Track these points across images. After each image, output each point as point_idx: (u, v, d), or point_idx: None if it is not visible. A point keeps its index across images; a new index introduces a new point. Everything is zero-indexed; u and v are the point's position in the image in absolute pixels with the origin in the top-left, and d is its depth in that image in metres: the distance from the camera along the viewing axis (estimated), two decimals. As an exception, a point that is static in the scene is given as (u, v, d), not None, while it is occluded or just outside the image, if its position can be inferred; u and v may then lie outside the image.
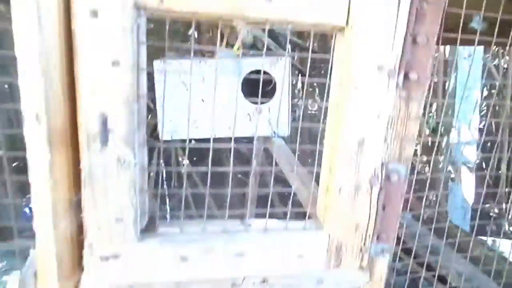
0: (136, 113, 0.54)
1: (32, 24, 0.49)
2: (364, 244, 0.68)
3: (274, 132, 1.68)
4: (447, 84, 3.20)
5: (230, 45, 1.87)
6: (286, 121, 1.67)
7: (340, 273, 0.72)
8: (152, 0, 0.51)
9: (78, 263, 0.61)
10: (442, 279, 1.31)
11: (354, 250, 0.69)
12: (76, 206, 0.58)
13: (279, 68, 1.59)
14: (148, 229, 0.61)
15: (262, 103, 1.63)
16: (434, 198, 3.44)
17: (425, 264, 1.18)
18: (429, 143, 3.88)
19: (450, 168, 3.13)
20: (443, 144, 3.35)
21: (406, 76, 0.61)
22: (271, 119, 1.68)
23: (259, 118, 1.62)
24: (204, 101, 1.50)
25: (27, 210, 2.69)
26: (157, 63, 1.50)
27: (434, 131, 3.61)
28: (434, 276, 1.22)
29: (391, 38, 0.58)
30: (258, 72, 1.61)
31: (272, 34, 1.63)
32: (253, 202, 2.00)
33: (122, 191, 0.56)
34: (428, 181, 0.96)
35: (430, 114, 3.83)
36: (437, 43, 0.64)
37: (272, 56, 1.62)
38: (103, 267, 0.59)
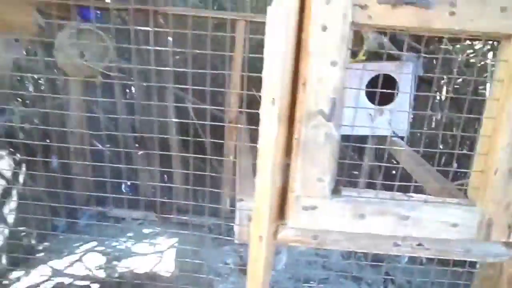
0: (340, 100, 0.73)
1: (280, 36, 0.71)
2: (514, 221, 0.79)
3: (394, 132, 1.79)
4: None
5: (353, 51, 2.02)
6: (406, 122, 1.77)
7: (487, 246, 0.84)
8: (364, 18, 0.70)
9: (279, 212, 0.83)
10: None
11: (503, 227, 0.80)
12: (286, 168, 0.80)
13: (402, 72, 1.70)
14: (335, 190, 0.80)
15: (384, 105, 1.76)
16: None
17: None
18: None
19: None
20: None
21: None
22: (392, 120, 1.79)
23: (380, 119, 1.74)
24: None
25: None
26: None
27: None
28: None
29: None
30: (387, 78, 1.73)
31: (394, 40, 1.75)
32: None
33: (325, 158, 0.75)
34: None
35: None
36: None
37: (396, 61, 1.74)
38: (303, 215, 0.79)
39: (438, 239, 0.82)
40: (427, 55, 1.98)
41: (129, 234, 2.12)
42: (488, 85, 2.65)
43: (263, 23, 0.73)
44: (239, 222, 0.87)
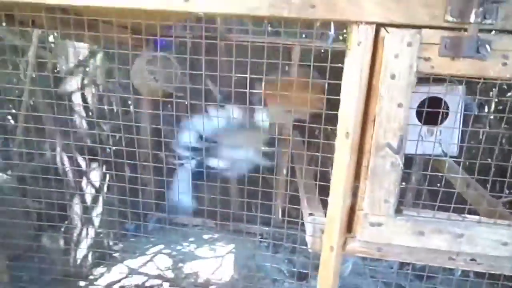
0: (405, 136, 0.87)
1: (355, 82, 0.86)
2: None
3: (443, 151, 1.88)
4: None
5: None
6: (455, 143, 1.86)
7: (535, 264, 0.94)
8: (427, 68, 0.84)
9: (346, 227, 0.98)
10: None
11: (551, 247, 0.90)
12: (355, 190, 0.95)
13: (452, 96, 1.80)
14: (398, 210, 0.94)
15: (434, 126, 1.85)
16: None
17: None
18: None
19: None
20: None
21: None
22: (442, 141, 1.88)
23: (431, 139, 1.84)
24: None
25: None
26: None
27: None
28: None
29: None
30: (433, 98, 1.83)
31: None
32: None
33: (391, 183, 0.90)
34: None
35: None
36: None
37: (445, 84, 1.83)
38: (370, 230, 0.93)
39: (490, 256, 0.94)
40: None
41: (191, 239, 2.33)
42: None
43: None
44: (313, 234, 1.02)
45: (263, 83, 1.58)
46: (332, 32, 0.87)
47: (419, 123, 1.88)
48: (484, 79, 0.86)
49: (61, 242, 1.87)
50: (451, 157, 1.90)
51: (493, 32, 0.83)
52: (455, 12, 0.80)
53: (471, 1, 0.78)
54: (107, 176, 2.12)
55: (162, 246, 2.22)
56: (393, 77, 0.85)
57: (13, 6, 1.02)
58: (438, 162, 1.88)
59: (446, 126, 1.85)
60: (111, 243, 2.17)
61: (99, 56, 2.13)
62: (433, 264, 0.98)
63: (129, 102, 2.52)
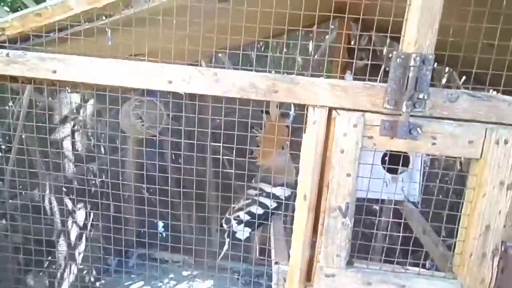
0: (352, 201, 1.03)
1: (311, 155, 1.02)
2: (487, 294, 1.04)
3: (406, 197, 2.06)
4: None
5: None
6: (417, 189, 2.04)
7: (467, 312, 1.08)
8: (370, 145, 1.01)
9: (305, 278, 1.11)
10: None
11: (479, 297, 1.05)
12: (312, 244, 1.09)
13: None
14: (349, 262, 1.08)
15: (398, 173, 2.03)
16: None
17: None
18: None
19: None
20: None
21: (519, 190, 0.99)
22: (404, 187, 2.05)
23: (394, 185, 2.01)
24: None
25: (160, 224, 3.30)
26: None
27: None
28: None
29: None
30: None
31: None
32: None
33: (342, 240, 1.04)
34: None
35: None
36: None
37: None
38: (325, 281, 1.07)
39: (429, 306, 1.08)
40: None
41: (170, 276, 2.42)
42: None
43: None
44: (276, 282, 1.16)
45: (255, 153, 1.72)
46: (292, 111, 1.04)
47: (383, 170, 2.07)
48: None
49: (45, 279, 1.94)
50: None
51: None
52: (392, 102, 0.98)
53: (403, 94, 0.95)
54: (91, 214, 2.22)
55: (142, 282, 2.30)
56: (342, 151, 1.01)
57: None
58: (402, 207, 2.05)
59: (406, 176, 2.04)
60: (92, 279, 2.24)
61: (91, 101, 2.27)
62: (381, 311, 1.12)
63: (117, 141, 2.66)
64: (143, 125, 2.34)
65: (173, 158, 2.90)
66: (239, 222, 1.59)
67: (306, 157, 1.04)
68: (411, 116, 0.98)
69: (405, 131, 0.97)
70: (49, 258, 2.02)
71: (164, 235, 3.06)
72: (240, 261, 2.52)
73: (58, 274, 1.94)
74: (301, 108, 1.04)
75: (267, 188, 1.58)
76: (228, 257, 1.52)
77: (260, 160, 1.67)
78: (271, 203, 1.58)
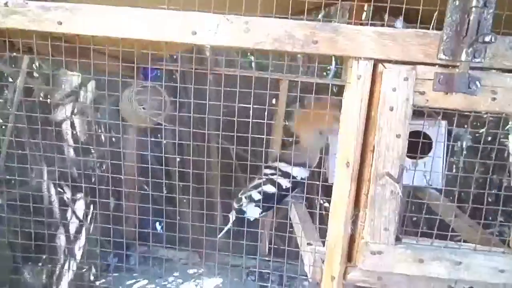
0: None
1: (356, 115, 0.90)
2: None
3: (429, 183, 1.94)
4: None
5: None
6: (440, 175, 1.92)
7: (529, 291, 0.96)
8: (422, 101, 0.89)
9: (346, 255, 0.98)
10: None
11: (543, 274, 0.93)
12: (355, 218, 0.96)
13: (436, 130, 1.88)
14: (397, 238, 0.95)
15: (419, 158, 1.92)
16: None
17: None
18: None
19: None
20: None
21: None
22: (426, 172, 1.94)
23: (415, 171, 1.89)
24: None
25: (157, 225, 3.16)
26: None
27: None
28: None
29: None
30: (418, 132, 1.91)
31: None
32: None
33: (390, 211, 0.92)
34: None
35: None
36: None
37: (431, 119, 1.92)
38: (371, 258, 0.94)
39: (488, 283, 0.96)
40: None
41: (175, 274, 2.26)
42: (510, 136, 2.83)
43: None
44: (313, 263, 1.02)
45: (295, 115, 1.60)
46: (333, 66, 0.92)
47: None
48: (475, 112, 0.92)
49: (42, 276, 1.78)
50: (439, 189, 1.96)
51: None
52: (448, 51, 0.87)
53: (463, 42, 0.84)
54: (91, 207, 2.06)
55: (146, 281, 2.14)
56: (391, 109, 0.89)
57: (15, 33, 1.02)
58: (422, 193, 1.94)
59: (427, 161, 1.93)
60: (92, 278, 2.07)
61: (91, 84, 2.12)
62: (432, 292, 0.99)
63: (113, 132, 2.51)
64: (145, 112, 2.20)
65: (176, 150, 2.75)
66: (251, 201, 1.46)
67: (349, 117, 0.92)
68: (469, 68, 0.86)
69: (464, 83, 0.86)
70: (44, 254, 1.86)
71: (161, 231, 2.90)
72: (249, 256, 2.38)
73: (57, 271, 1.78)
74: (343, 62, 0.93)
75: (285, 167, 1.45)
76: (230, 235, 1.37)
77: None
78: (286, 184, 1.46)
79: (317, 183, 1.38)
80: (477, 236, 1.33)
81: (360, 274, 0.98)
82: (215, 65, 2.39)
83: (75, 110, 2.05)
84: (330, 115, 1.40)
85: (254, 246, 2.15)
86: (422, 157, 1.93)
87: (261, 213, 1.47)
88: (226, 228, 1.53)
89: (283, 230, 1.33)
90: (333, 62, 0.91)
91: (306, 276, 1.06)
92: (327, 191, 1.04)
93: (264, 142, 1.25)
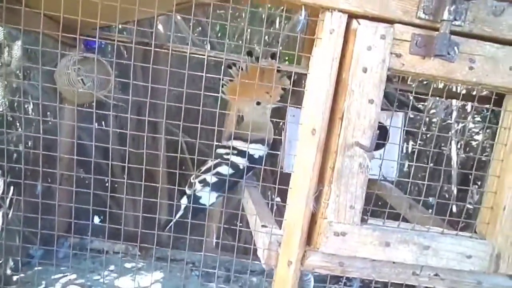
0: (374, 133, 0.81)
1: (325, 75, 0.79)
2: (520, 255, 0.87)
3: (383, 176, 1.89)
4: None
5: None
6: (395, 167, 1.89)
7: (496, 279, 0.91)
8: (398, 65, 0.80)
9: (306, 237, 0.87)
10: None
11: (510, 260, 0.88)
12: (319, 194, 0.85)
13: (393, 121, 1.85)
14: (362, 219, 0.85)
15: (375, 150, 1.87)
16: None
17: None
18: None
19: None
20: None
21: None
22: (381, 165, 1.89)
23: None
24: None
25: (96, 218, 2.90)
26: (291, 109, 1.82)
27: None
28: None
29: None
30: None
31: (385, 94, 1.90)
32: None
33: (358, 186, 0.82)
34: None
35: None
36: None
37: (388, 111, 1.89)
38: (334, 241, 0.83)
39: (453, 270, 0.89)
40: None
41: (110, 268, 2.03)
42: (453, 142, 2.93)
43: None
44: (268, 247, 0.89)
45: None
46: (302, 16, 0.80)
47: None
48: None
49: None
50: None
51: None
52: (428, 9, 0.78)
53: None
54: (12, 189, 1.78)
55: (74, 275, 1.89)
56: (364, 70, 0.79)
57: None
58: (378, 187, 1.89)
59: (383, 153, 1.90)
60: (9, 272, 1.79)
61: (17, 43, 1.84)
62: (396, 281, 0.90)
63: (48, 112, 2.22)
64: (85, 84, 1.95)
65: (118, 134, 2.51)
66: (205, 185, 1.31)
67: (318, 78, 0.80)
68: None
69: (445, 46, 0.77)
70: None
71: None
72: (194, 251, 2.21)
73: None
74: (313, 14, 0.81)
75: (241, 145, 1.31)
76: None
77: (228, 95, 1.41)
78: (243, 163, 1.32)
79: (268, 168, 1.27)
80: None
81: (320, 258, 0.87)
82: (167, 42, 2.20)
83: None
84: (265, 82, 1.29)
85: (200, 241, 1.99)
86: (377, 149, 1.89)
87: (217, 197, 1.33)
88: (176, 217, 1.36)
89: (232, 223, 1.20)
90: (303, 13, 0.78)
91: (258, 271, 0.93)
92: (282, 181, 0.92)
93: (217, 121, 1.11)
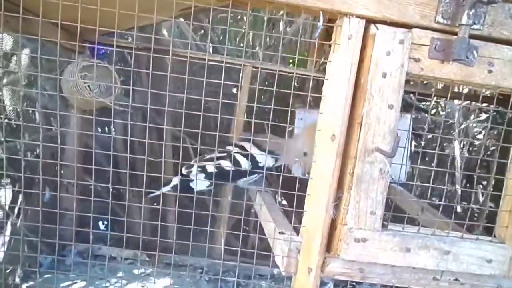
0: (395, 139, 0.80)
1: (344, 81, 0.79)
2: (541, 258, 0.86)
3: (392, 178, 1.89)
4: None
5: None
6: (404, 170, 1.88)
7: (515, 283, 0.90)
8: (417, 69, 0.79)
9: (326, 244, 0.86)
10: None
11: (530, 264, 0.87)
12: (338, 201, 0.84)
13: (402, 123, 1.84)
14: (382, 225, 0.85)
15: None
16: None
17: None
18: None
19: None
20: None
21: None
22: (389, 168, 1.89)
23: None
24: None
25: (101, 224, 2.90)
26: (299, 112, 1.82)
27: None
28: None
29: None
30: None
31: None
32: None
33: (379, 192, 0.81)
34: None
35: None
36: None
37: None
38: (354, 247, 0.82)
39: (473, 274, 0.88)
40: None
41: (119, 274, 2.02)
42: (455, 142, 2.93)
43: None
44: (288, 254, 0.88)
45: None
46: (320, 23, 0.79)
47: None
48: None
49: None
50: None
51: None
52: (446, 14, 0.78)
53: (463, 3, 0.76)
54: (20, 198, 1.77)
55: (83, 283, 1.88)
56: (384, 75, 0.78)
57: None
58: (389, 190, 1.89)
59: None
60: (18, 280, 1.78)
61: (25, 51, 1.83)
62: (416, 286, 0.89)
63: (52, 118, 2.22)
64: (91, 91, 1.95)
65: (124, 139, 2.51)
66: (202, 172, 1.32)
67: (336, 83, 0.80)
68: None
69: (464, 50, 0.77)
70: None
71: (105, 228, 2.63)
72: (202, 256, 2.19)
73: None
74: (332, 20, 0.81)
75: (250, 148, 1.33)
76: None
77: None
78: (245, 164, 1.33)
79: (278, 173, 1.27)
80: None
81: (340, 265, 0.86)
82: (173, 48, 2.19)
83: (4, 80, 1.76)
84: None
85: (209, 247, 1.98)
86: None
87: (208, 186, 1.34)
88: (162, 190, 1.40)
89: (239, 229, 1.20)
90: (321, 19, 0.78)
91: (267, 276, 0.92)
92: (289, 184, 0.91)
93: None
